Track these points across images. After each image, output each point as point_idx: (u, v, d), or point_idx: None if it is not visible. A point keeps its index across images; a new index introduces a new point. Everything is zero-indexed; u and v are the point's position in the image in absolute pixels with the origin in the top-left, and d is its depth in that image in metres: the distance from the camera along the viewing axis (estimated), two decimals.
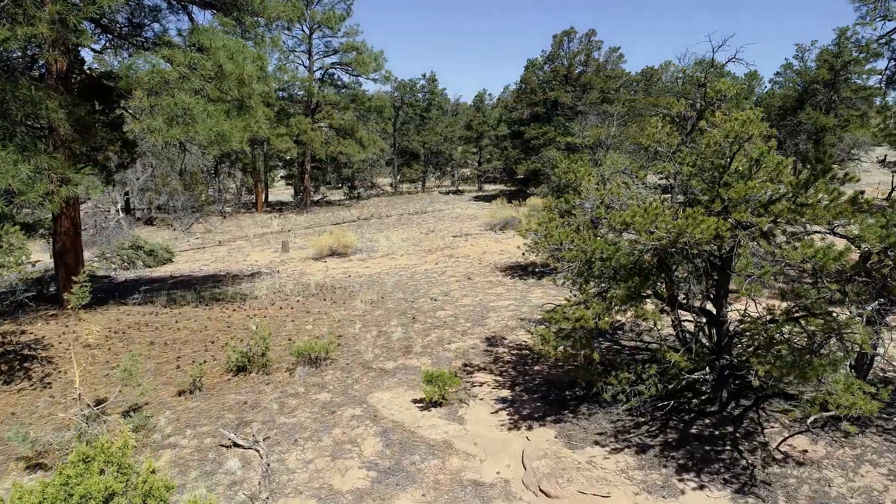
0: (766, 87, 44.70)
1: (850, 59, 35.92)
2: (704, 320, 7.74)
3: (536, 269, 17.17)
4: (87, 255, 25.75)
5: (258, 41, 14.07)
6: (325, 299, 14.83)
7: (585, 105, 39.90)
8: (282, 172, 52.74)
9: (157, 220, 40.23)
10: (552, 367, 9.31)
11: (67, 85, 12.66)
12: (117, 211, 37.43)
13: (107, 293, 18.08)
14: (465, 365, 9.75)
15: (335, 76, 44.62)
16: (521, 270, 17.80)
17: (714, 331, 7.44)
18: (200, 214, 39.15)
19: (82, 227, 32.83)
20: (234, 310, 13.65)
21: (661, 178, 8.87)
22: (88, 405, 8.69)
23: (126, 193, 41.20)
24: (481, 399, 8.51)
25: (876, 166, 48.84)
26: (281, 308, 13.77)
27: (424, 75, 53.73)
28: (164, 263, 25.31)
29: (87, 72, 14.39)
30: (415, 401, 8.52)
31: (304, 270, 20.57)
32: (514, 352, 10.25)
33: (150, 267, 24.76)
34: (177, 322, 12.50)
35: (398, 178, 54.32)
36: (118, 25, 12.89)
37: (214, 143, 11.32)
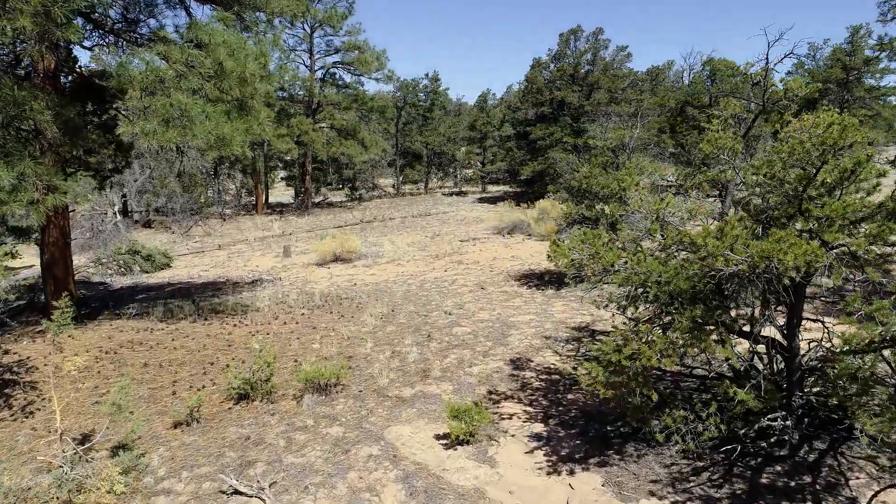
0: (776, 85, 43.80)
1: (868, 57, 35.03)
2: (764, 349, 6.85)
3: (554, 279, 16.27)
4: (82, 260, 24.88)
5: (259, 38, 13.18)
6: (331, 312, 13.92)
7: (593, 105, 39.02)
8: (282, 173, 51.83)
9: (155, 222, 39.29)
10: (588, 396, 8.41)
11: (55, 84, 11.76)
12: (115, 213, 36.46)
13: (102, 302, 17.19)
14: (491, 393, 8.86)
15: (337, 76, 43.73)
16: (536, 279, 16.90)
17: (783, 362, 6.56)
18: (199, 217, 38.23)
19: (78, 230, 31.96)
20: (235, 325, 12.73)
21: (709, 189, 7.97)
22: (73, 440, 7.80)
23: (124, 196, 40.25)
24: (512, 435, 7.60)
25: (886, 167, 48.03)
26: (285, 323, 12.87)
27: (427, 75, 52.84)
28: (162, 269, 24.41)
29: (78, 71, 13.48)
30: (438, 437, 7.63)
31: (307, 278, 19.68)
32: (543, 377, 9.35)
33: (147, 273, 23.85)
34: (173, 340, 11.59)
35: (400, 179, 53.41)
36: (110, 21, 11.98)
37: (214, 147, 10.42)
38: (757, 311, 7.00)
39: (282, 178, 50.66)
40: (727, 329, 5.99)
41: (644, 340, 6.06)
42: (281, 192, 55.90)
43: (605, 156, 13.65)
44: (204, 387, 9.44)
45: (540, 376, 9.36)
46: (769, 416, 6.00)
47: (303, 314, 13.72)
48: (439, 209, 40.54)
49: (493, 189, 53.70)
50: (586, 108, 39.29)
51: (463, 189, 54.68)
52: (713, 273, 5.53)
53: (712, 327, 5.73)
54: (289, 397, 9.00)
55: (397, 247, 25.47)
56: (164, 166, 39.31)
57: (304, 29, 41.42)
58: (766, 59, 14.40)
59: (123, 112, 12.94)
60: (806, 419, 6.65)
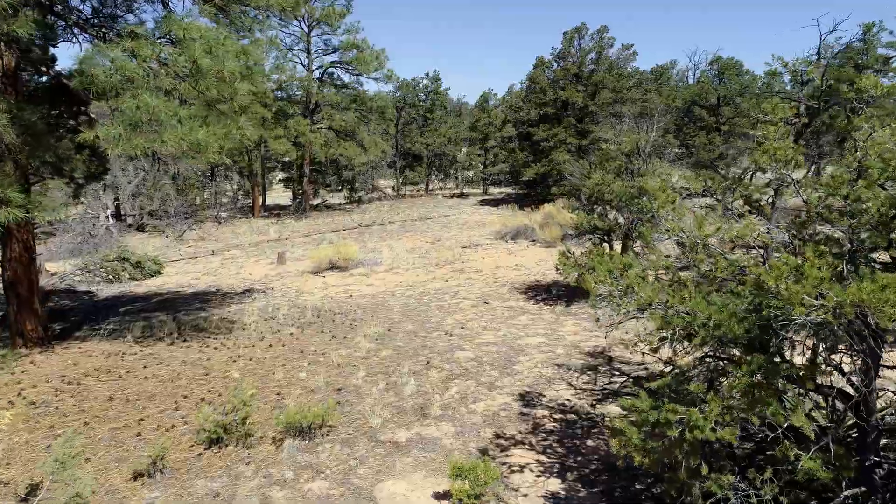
0: (786, 85, 42.54)
1: (883, 56, 33.83)
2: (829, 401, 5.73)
3: (562, 292, 15.16)
4: (69, 266, 23.80)
5: (244, 34, 12.10)
6: (322, 331, 12.82)
7: (597, 105, 37.87)
8: (280, 175, 50.76)
9: (148, 226, 38.18)
10: (618, 448, 7.29)
11: (15, 85, 10.67)
12: (107, 217, 35.31)
13: (83, 315, 16.14)
14: (498, 436, 7.75)
15: (335, 75, 42.63)
16: (543, 292, 15.80)
17: (852, 419, 5.45)
18: (194, 221, 37.13)
19: (70, 234, 30.82)
20: (216, 348, 11.63)
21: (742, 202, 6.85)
22: (16, 496, 6.72)
23: (116, 199, 39.16)
24: (525, 495, 6.49)
25: None
26: (270, 345, 11.76)
27: (427, 74, 51.76)
28: (153, 276, 23.33)
29: (44, 70, 12.41)
30: (438, 496, 6.52)
31: (300, 288, 18.59)
32: (557, 416, 8.24)
33: (136, 280, 22.78)
34: (145, 367, 10.49)
35: (401, 180, 52.29)
36: (76, 14, 10.89)
37: (187, 155, 9.32)
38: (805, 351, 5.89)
39: (279, 181, 49.56)
40: (790, 381, 4.87)
41: (687, 396, 4.95)
42: (279, 194, 54.82)
43: (619, 160, 12.53)
44: (173, 426, 8.34)
45: (553, 415, 8.25)
46: (848, 493, 4.89)
47: (291, 334, 12.62)
48: (440, 212, 39.43)
49: (495, 191, 52.59)
50: (591, 109, 38.14)
51: (464, 191, 53.56)
52: (783, 320, 4.42)
53: (776, 385, 4.61)
54: (267, 440, 7.90)
55: (396, 253, 24.37)
56: (159, 169, 38.26)
57: (301, 27, 40.36)
58: (819, 53, 13.32)
59: (92, 115, 11.86)
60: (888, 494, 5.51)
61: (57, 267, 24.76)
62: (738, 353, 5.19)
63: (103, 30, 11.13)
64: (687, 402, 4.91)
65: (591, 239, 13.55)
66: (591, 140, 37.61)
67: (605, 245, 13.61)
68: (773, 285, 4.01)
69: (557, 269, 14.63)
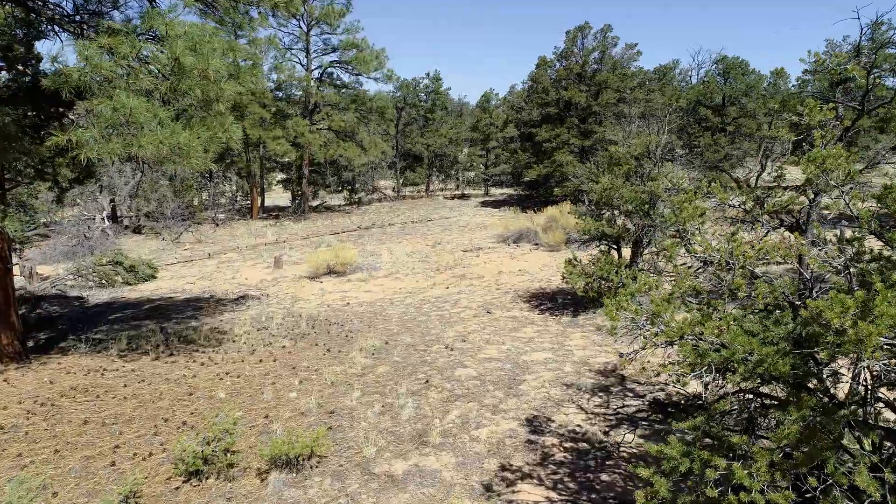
0: (792, 85, 41.78)
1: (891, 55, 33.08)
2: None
3: (568, 301, 14.49)
4: (62, 270, 23.16)
5: (243, 32, 11.46)
6: (316, 343, 12.17)
7: (601, 105, 37.17)
8: (280, 175, 50.10)
9: (145, 228, 37.56)
10: (627, 478, 6.64)
11: None
12: (103, 219, 34.67)
13: (71, 323, 15.53)
14: (503, 468, 7.08)
15: (334, 75, 41.99)
16: (548, 300, 15.14)
17: None
18: (191, 223, 36.49)
19: (65, 237, 30.12)
20: (203, 363, 10.98)
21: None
22: None
23: (112, 200, 38.55)
24: None
25: None
26: (261, 360, 11.11)
27: (428, 74, 51.07)
28: (147, 280, 22.71)
29: (25, 69, 11.77)
30: None
31: (296, 294, 17.95)
32: (568, 444, 7.58)
33: (130, 285, 22.16)
34: (126, 385, 9.84)
35: (401, 181, 51.63)
36: (51, 7, 10.24)
37: (168, 160, 8.67)
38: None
39: (278, 181, 48.90)
40: (857, 429, 4.19)
41: (724, 442, 4.29)
42: (279, 195, 54.24)
43: (628, 164, 11.85)
44: (151, 454, 7.69)
45: (564, 444, 7.58)
46: None
47: (283, 347, 11.97)
48: (441, 214, 38.78)
49: (497, 192, 51.93)
50: (594, 109, 37.45)
51: (465, 192, 52.91)
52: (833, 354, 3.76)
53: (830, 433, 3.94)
54: (252, 472, 7.24)
55: (396, 258, 23.73)
56: (153, 170, 37.66)
57: (300, 26, 39.71)
58: (857, 48, 12.65)
59: (73, 117, 11.22)
60: None
61: (50, 270, 24.15)
62: (780, 390, 4.53)
63: (83, 26, 10.48)
64: (724, 450, 4.25)
65: (598, 245, 12.88)
66: (595, 141, 36.91)
67: (614, 252, 12.95)
68: (837, 323, 3.35)
69: (563, 278, 14.00)
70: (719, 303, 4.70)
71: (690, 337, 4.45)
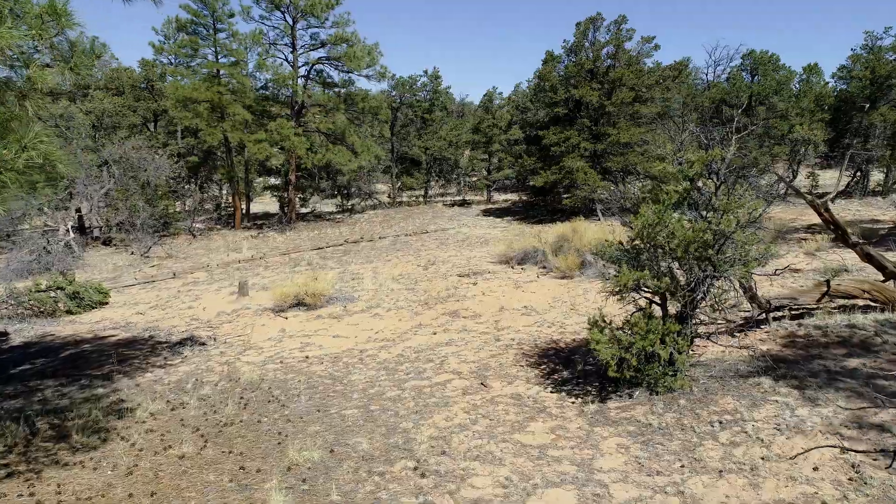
0: (828, 82, 38.03)
1: None
2: None
3: (590, 365, 10.87)
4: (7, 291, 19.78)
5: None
6: (232, 448, 8.59)
7: (615, 105, 33.51)
8: (270, 181, 46.69)
9: (115, 240, 34.15)
10: None
11: None
12: (67, 231, 31.14)
13: None
14: None
15: (323, 73, 38.51)
16: (563, 363, 11.57)
17: None
18: (161, 235, 33.05)
19: (25, 250, 26.54)
20: (42, 497, 7.42)
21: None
22: None
23: (78, 210, 35.07)
24: None
25: None
26: (130, 495, 7.50)
27: (426, 72, 47.45)
28: (94, 308, 19.31)
29: None
30: None
31: (249, 339, 14.50)
32: None
33: (72, 314, 18.74)
34: None
35: (397, 187, 48.10)
36: None
37: None
38: None
39: (265, 188, 45.48)
40: None
41: None
42: (269, 200, 50.77)
43: (682, 187, 8.29)
44: None
45: None
46: None
47: (181, 457, 8.35)
48: (438, 224, 35.25)
49: (500, 198, 48.38)
50: (607, 109, 33.77)
51: (466, 198, 49.32)
52: None
53: None
54: None
55: (380, 283, 20.23)
56: (130, 176, 34.29)
57: (284, 19, 36.22)
58: None
59: None
60: None
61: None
62: None
63: None
64: None
65: (634, 299, 9.30)
66: (608, 144, 33.27)
67: (656, 306, 9.35)
68: None
69: (589, 333, 10.41)
70: None
71: None
